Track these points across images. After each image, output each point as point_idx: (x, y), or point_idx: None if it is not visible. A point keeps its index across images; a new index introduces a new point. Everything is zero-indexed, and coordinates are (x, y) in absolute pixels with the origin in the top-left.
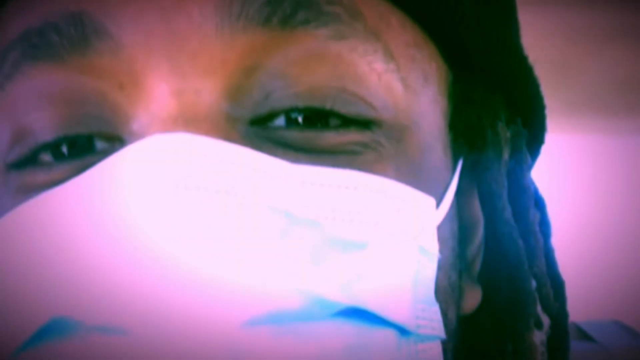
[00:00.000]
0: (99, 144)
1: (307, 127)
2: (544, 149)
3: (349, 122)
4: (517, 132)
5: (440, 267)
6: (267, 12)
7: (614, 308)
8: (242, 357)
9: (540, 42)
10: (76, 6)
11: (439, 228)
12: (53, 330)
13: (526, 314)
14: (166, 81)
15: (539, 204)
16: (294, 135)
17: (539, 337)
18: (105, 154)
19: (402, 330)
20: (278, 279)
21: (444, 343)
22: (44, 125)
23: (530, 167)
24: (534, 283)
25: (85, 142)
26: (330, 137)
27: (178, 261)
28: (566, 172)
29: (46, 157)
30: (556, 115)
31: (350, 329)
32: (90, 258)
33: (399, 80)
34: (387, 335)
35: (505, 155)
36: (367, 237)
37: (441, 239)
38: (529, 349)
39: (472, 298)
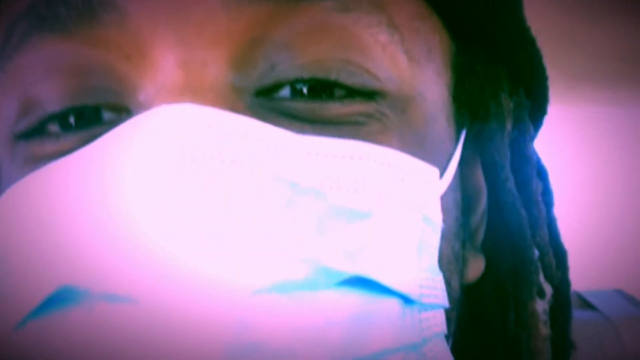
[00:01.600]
0: (106, 115)
1: (312, 98)
2: (547, 119)
3: (353, 93)
4: (520, 103)
5: (443, 237)
6: None
7: (616, 277)
8: (249, 325)
9: (542, 13)
10: None
11: (443, 198)
12: (60, 299)
13: (529, 282)
14: (172, 52)
15: (542, 174)
16: (299, 106)
17: (541, 306)
18: (112, 124)
19: (406, 299)
20: (283, 249)
21: (447, 312)
22: (52, 96)
23: (533, 137)
24: (536, 252)
25: (93, 113)
26: (335, 108)
27: (185, 231)
28: (568, 143)
29: (54, 127)
30: (559, 86)
31: (355, 298)
32: (98, 227)
33: (403, 52)
34: (391, 304)
35: (508, 125)
36: (371, 207)
37: (445, 209)
38: (531, 317)
39: (476, 267)
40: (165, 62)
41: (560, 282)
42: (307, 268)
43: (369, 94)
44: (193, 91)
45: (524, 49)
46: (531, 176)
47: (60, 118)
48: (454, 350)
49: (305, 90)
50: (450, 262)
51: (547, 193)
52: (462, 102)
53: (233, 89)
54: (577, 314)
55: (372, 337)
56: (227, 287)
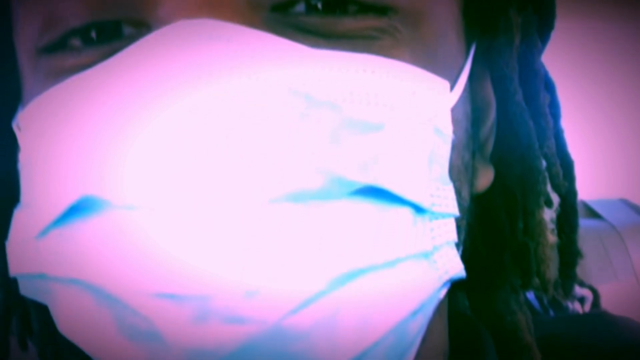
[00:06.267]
0: (127, 30)
1: (326, 13)
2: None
3: (366, 8)
4: (528, 19)
5: (454, 148)
6: None
7: (621, 187)
8: (264, 233)
9: None
10: None
11: (453, 110)
12: (82, 208)
13: (536, 192)
14: None
15: (549, 86)
16: (314, 21)
17: (548, 215)
18: (133, 39)
19: (418, 208)
20: (298, 159)
21: (457, 220)
22: (74, 12)
23: (540, 51)
24: (544, 163)
25: (113, 28)
26: (349, 23)
27: (203, 142)
28: (575, 56)
29: (75, 42)
30: (565, 2)
31: (368, 207)
32: (119, 139)
33: None
34: (403, 212)
35: (517, 40)
36: (384, 119)
37: (455, 121)
38: (539, 226)
39: (485, 177)
40: None
41: (567, 191)
42: (321, 178)
43: (382, 10)
44: (211, 7)
45: None
46: (539, 89)
47: (82, 33)
48: (464, 257)
49: (319, 5)
50: (460, 172)
51: (554, 105)
52: (472, 18)
53: (249, 5)
54: (584, 223)
55: (385, 245)
56: (242, 196)
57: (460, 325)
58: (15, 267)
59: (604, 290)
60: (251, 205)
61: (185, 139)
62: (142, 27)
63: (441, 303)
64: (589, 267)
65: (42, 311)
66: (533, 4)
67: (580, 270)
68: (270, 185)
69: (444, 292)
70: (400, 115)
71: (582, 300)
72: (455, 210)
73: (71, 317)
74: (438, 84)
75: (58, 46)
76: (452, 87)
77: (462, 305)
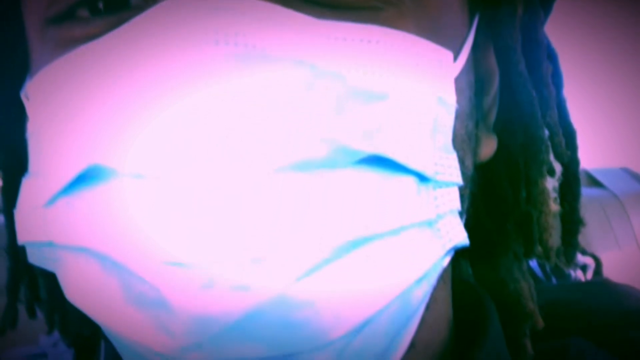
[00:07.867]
0: (134, 0)
1: None
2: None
3: None
4: None
5: (457, 117)
6: None
7: (623, 156)
8: (270, 202)
9: None
10: None
11: (457, 80)
12: (89, 177)
13: (539, 161)
14: None
15: (552, 57)
16: None
17: (551, 184)
18: (140, 9)
19: (421, 177)
20: (304, 129)
21: (461, 189)
22: None
23: (543, 22)
24: (546, 132)
25: None
26: None
27: (211, 112)
28: (577, 26)
29: (83, 12)
30: None
31: (373, 176)
32: (126, 109)
33: None
34: (407, 181)
35: (519, 11)
36: (388, 89)
37: (458, 90)
38: (542, 194)
39: (488, 146)
40: None
41: (570, 160)
42: (327, 147)
43: None
44: None
45: None
46: (541, 59)
47: (89, 3)
48: (467, 226)
49: None
50: (464, 141)
51: (556, 75)
52: None
53: None
54: (586, 191)
55: (389, 213)
56: (249, 165)
57: (464, 293)
58: (23, 236)
59: (606, 258)
60: (257, 174)
61: (192, 109)
62: None
63: (445, 271)
64: (591, 235)
65: (50, 279)
66: None
67: (582, 239)
68: (276, 154)
69: (447, 260)
70: (404, 85)
71: (584, 268)
72: (458, 179)
73: (78, 284)
74: (442, 55)
75: (66, 17)
76: (455, 58)
77: (465, 274)
